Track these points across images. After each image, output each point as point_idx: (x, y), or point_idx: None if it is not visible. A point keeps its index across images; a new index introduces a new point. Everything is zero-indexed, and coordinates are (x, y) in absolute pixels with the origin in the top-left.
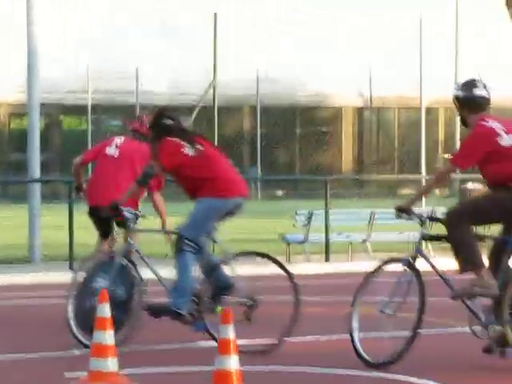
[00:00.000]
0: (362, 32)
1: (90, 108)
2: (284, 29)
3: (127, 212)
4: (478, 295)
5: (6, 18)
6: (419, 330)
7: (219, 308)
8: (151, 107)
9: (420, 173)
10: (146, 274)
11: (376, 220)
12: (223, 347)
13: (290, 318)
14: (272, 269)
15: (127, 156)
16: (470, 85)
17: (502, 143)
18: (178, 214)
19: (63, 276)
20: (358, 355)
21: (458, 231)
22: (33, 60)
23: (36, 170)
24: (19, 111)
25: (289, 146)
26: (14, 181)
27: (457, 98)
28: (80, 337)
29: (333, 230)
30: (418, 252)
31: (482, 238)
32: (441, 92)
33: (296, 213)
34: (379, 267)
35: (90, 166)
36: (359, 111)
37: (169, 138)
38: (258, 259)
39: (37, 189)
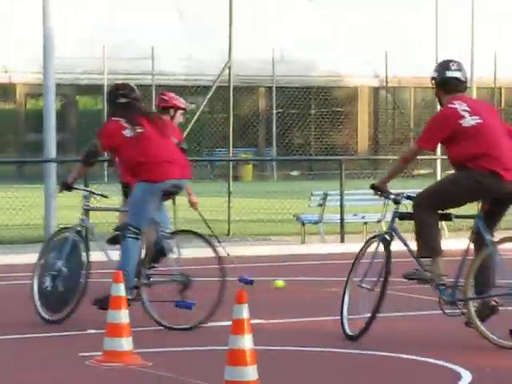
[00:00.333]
0: (377, 12)
1: (106, 88)
2: (299, 9)
3: (83, 191)
4: (428, 281)
5: None
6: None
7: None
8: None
9: (435, 153)
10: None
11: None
12: (237, 327)
13: (213, 301)
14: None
15: None
16: (444, 66)
17: (464, 124)
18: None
19: None
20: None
21: (423, 214)
22: (49, 40)
23: (52, 150)
24: (35, 91)
25: (304, 127)
26: (31, 161)
27: (432, 79)
28: (43, 314)
29: (348, 210)
30: (393, 230)
31: (449, 217)
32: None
33: (311, 193)
34: (364, 247)
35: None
36: (375, 91)
37: (113, 118)
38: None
39: (53, 169)
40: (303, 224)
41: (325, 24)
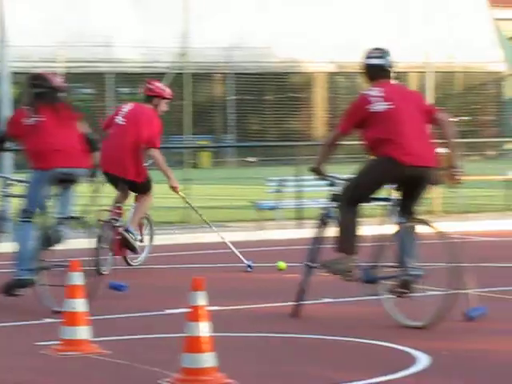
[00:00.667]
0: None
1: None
2: None
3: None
4: (337, 274)
5: None
6: None
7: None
8: (124, 75)
9: None
10: None
11: None
12: (193, 314)
13: None
14: None
15: (132, 122)
16: (368, 54)
17: (371, 110)
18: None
19: None
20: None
21: (343, 209)
22: (1, 29)
23: None
24: None
25: (261, 113)
26: None
27: (361, 66)
28: None
29: (305, 196)
30: (328, 212)
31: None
32: (413, 58)
33: (267, 179)
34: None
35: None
36: (331, 77)
37: (22, 107)
38: None
39: (9, 158)
40: (260, 210)
41: (281, 10)
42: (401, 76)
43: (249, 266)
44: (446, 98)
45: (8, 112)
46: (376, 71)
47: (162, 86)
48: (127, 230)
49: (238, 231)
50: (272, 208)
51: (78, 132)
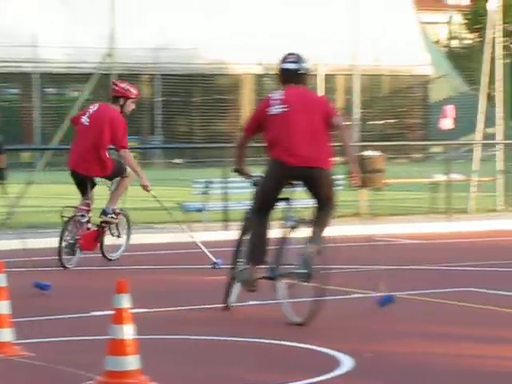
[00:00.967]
0: (262, 0)
1: None
2: None
3: None
4: (239, 281)
5: None
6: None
7: None
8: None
9: None
10: None
11: None
12: (117, 316)
13: None
14: None
15: (96, 123)
16: (283, 58)
17: (269, 113)
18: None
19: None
20: None
21: (252, 218)
22: None
23: None
24: None
25: (188, 115)
26: None
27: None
28: None
29: (231, 198)
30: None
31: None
32: (340, 60)
33: (194, 181)
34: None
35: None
36: (259, 78)
37: None
38: None
39: None
40: (187, 212)
41: (208, 12)
42: (328, 78)
43: (215, 263)
44: (373, 101)
45: None
46: (289, 76)
47: (126, 86)
48: (104, 212)
49: (164, 233)
50: (198, 210)
51: None
